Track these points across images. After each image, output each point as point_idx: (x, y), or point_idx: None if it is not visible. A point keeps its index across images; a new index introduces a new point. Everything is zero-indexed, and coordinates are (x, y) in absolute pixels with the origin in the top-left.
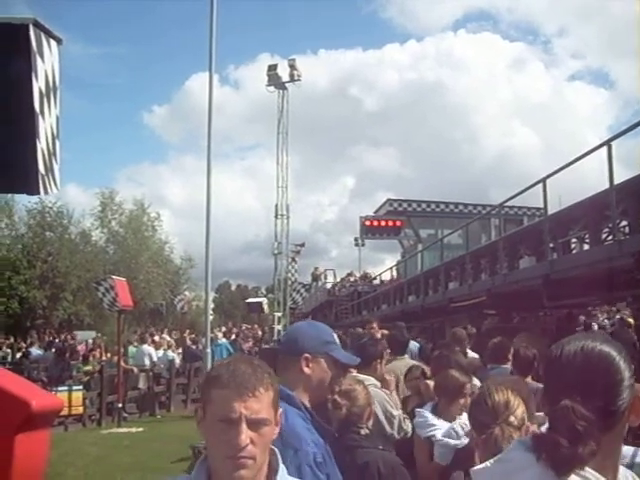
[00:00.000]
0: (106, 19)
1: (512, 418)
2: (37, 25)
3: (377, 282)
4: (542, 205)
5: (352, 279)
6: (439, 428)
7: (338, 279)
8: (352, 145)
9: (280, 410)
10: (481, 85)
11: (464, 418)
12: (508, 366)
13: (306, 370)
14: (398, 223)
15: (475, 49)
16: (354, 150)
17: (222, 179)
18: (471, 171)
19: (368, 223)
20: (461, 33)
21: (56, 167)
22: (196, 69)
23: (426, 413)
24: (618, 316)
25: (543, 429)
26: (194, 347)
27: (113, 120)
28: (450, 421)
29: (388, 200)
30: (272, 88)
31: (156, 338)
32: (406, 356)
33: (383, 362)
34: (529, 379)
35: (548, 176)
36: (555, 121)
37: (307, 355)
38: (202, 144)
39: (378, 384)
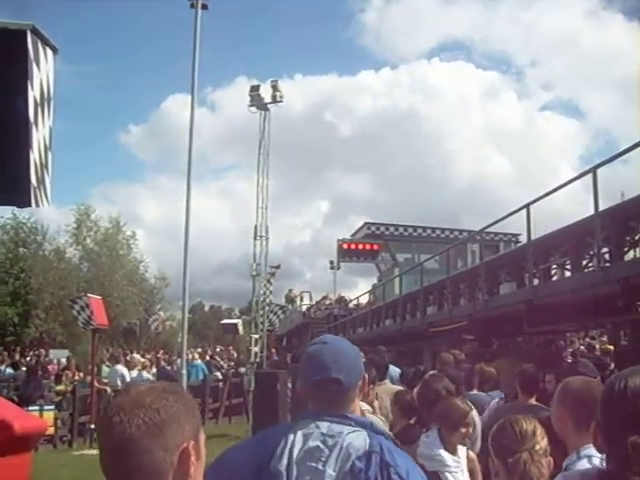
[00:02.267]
0: (83, 36)
1: (538, 447)
2: (35, 32)
3: (352, 305)
4: (516, 231)
5: (327, 302)
6: (447, 465)
7: (313, 302)
8: (327, 169)
9: None
10: (454, 113)
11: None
12: (475, 391)
13: (365, 389)
14: (375, 247)
15: (449, 77)
16: (329, 174)
17: (196, 200)
18: (443, 197)
19: (345, 246)
20: (435, 61)
21: (47, 179)
22: (173, 90)
23: (437, 448)
24: (597, 343)
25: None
26: (169, 368)
27: (89, 138)
28: (451, 451)
29: (366, 224)
30: (254, 109)
31: (128, 358)
32: (386, 381)
33: (375, 387)
34: (533, 400)
35: (532, 202)
36: (527, 150)
37: (365, 375)
38: (177, 164)
39: (371, 409)
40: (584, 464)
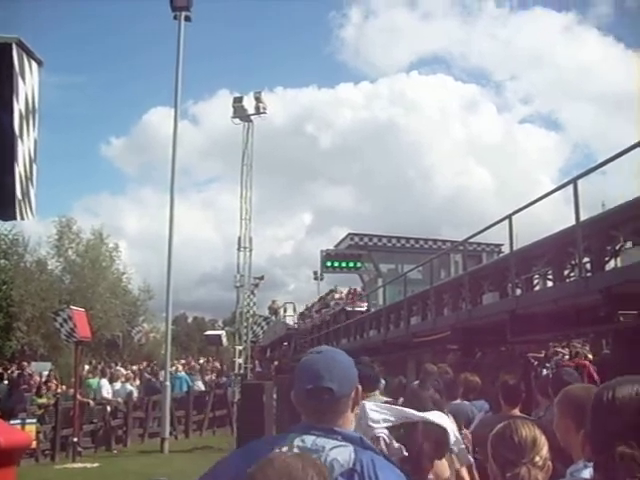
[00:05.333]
0: (67, 48)
1: (537, 458)
2: (20, 45)
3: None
4: (498, 242)
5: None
6: None
7: (297, 313)
8: (309, 181)
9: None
10: (435, 125)
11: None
12: (459, 401)
13: (357, 400)
14: (358, 257)
15: (428, 90)
16: (311, 186)
17: (179, 211)
18: (425, 209)
19: (329, 257)
20: (414, 75)
21: (32, 192)
22: (155, 103)
23: None
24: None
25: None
26: (153, 380)
27: (70, 150)
28: None
29: (349, 234)
30: (237, 120)
31: (112, 370)
32: (377, 392)
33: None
34: (517, 410)
35: (514, 213)
36: (508, 162)
37: (358, 387)
38: (160, 176)
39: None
40: (591, 472)
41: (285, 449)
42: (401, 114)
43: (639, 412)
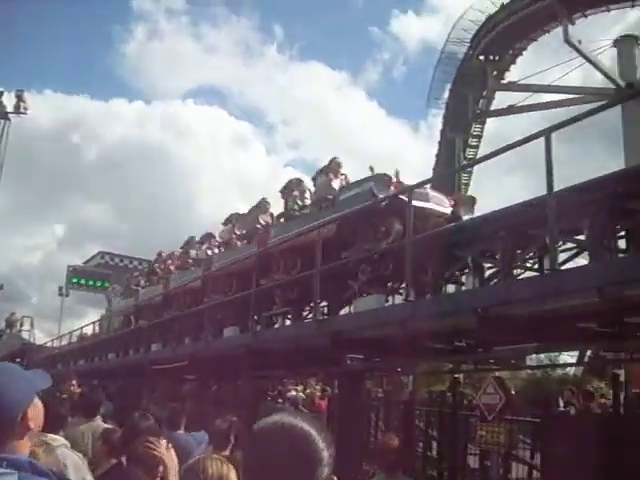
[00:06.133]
0: None
1: None
2: None
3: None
4: None
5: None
6: None
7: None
8: (67, 192)
9: None
10: (203, 155)
11: None
12: (182, 431)
13: (31, 424)
14: (107, 277)
15: (202, 120)
16: (68, 197)
17: None
18: (185, 235)
19: (76, 273)
20: (189, 103)
21: None
22: None
23: None
24: (309, 390)
25: None
26: None
27: None
28: None
29: (100, 252)
30: None
31: None
32: (98, 417)
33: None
34: (227, 452)
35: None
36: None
37: (27, 411)
38: None
39: (68, 444)
40: None
41: None
42: (172, 139)
43: (282, 445)
